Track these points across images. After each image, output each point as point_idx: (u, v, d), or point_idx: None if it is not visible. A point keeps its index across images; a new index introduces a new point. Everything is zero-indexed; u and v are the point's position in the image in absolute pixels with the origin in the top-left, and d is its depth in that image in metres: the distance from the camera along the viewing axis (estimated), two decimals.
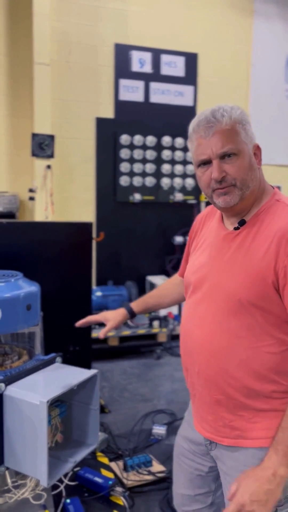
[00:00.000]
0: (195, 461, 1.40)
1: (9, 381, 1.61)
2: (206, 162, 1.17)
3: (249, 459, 1.19)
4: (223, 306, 1.16)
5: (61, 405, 1.71)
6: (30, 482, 1.70)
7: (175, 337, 4.77)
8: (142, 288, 5.23)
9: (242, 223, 1.20)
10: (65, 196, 4.91)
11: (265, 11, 5.43)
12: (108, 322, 1.58)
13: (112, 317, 1.59)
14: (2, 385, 1.58)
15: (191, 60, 5.26)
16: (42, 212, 4.46)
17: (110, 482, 2.09)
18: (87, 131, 4.97)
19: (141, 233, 5.27)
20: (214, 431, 1.26)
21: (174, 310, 4.89)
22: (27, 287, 1.75)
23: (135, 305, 1.63)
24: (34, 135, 4.28)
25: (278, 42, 5.57)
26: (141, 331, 4.46)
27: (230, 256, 1.19)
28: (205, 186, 1.19)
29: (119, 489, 2.11)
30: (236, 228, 1.21)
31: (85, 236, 2.53)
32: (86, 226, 2.56)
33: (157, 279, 5.12)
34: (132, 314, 1.61)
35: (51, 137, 4.35)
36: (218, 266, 1.21)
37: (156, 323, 4.54)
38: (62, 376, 1.77)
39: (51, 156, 4.38)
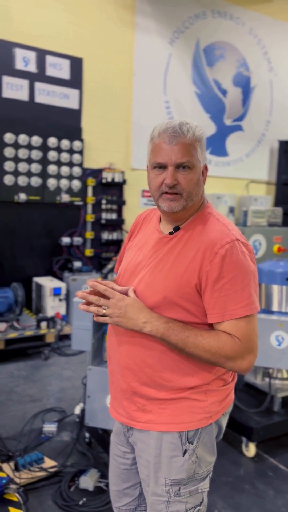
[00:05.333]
0: (120, 456, 1.50)
1: None
2: (162, 167, 1.27)
3: (156, 442, 1.32)
4: (149, 301, 1.28)
5: None
6: None
7: (63, 337, 4.80)
8: (29, 290, 5.16)
9: (176, 229, 1.33)
10: None
11: (146, 26, 5.76)
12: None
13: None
14: None
15: (76, 64, 5.34)
16: None
17: (3, 481, 2.09)
18: None
19: (26, 234, 5.18)
20: (128, 416, 1.37)
21: (62, 310, 4.93)
22: None
23: None
24: None
25: (157, 56, 5.94)
26: (29, 333, 4.41)
27: (161, 258, 1.31)
28: (155, 188, 1.29)
29: (13, 486, 2.12)
30: (170, 233, 1.34)
31: None
32: None
33: (44, 280, 5.10)
34: None
35: None
36: (150, 265, 1.32)
37: (44, 324, 4.53)
38: None
39: None
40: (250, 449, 2.83)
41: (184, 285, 1.25)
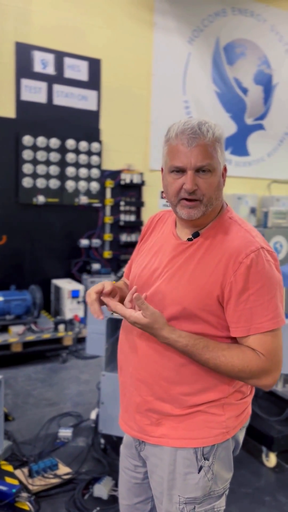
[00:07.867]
0: (130, 469, 1.43)
1: None
2: (180, 171, 1.17)
3: (170, 458, 1.25)
4: (166, 312, 1.20)
5: None
6: None
7: (80, 340, 4.77)
8: (47, 292, 5.16)
9: (195, 235, 1.24)
10: None
11: (164, 25, 5.69)
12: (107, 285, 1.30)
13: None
14: None
15: (94, 65, 5.32)
16: None
17: (14, 490, 2.05)
18: None
19: (45, 236, 5.18)
20: (140, 430, 1.30)
21: (80, 312, 4.90)
22: None
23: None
24: None
25: (176, 56, 5.86)
26: (46, 336, 4.40)
27: (179, 266, 1.22)
28: (173, 194, 1.19)
29: (24, 494, 2.08)
30: (189, 239, 1.24)
31: None
32: None
33: (62, 283, 5.09)
34: None
35: None
36: (167, 274, 1.24)
37: (61, 327, 4.50)
38: None
39: None
40: (271, 459, 2.72)
41: (205, 297, 1.16)
